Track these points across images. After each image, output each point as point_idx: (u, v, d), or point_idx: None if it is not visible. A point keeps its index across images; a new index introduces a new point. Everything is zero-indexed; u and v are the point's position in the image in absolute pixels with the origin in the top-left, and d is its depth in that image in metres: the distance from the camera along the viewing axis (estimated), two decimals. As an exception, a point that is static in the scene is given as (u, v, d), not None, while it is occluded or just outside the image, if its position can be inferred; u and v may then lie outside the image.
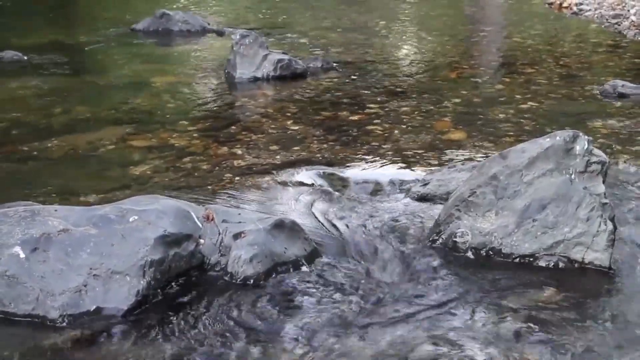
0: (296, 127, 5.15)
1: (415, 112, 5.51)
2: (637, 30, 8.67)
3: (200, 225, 3.14)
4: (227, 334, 2.70)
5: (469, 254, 3.26)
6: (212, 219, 3.19)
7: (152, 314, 2.80)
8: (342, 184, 4.06)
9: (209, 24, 9.25)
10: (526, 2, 11.72)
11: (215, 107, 5.78)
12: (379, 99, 5.88)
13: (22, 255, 2.86)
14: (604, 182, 3.27)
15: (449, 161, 4.39)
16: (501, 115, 5.41)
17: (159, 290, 2.90)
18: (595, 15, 9.79)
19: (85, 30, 9.36)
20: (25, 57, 7.33)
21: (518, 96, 5.97)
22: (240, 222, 3.20)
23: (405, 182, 4.02)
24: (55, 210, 3.09)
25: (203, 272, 3.06)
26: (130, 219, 3.02)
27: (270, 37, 8.20)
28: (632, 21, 9.02)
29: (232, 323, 2.77)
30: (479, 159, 4.23)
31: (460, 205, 3.34)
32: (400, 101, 5.84)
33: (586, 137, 3.29)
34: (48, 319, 2.75)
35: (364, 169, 4.34)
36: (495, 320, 2.77)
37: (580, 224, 3.18)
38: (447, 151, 4.63)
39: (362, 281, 3.06)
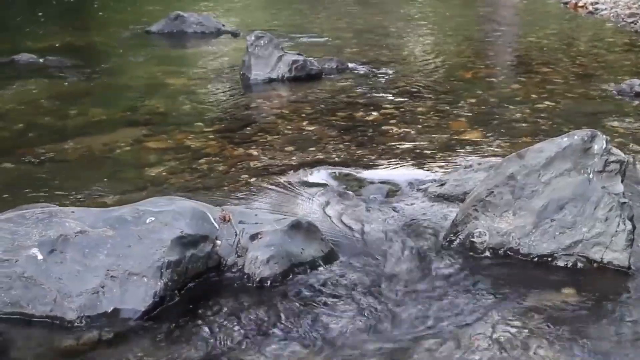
0: (312, 128, 5.14)
1: (431, 112, 5.49)
2: (654, 29, 8.62)
3: (217, 226, 3.14)
4: (244, 336, 2.69)
5: (487, 254, 3.24)
6: (229, 220, 3.18)
7: (169, 315, 2.80)
8: (359, 184, 4.04)
9: (223, 26, 9.25)
10: (541, 1, 11.67)
11: (230, 108, 5.78)
12: (394, 100, 5.87)
13: (40, 257, 2.86)
14: (622, 181, 3.24)
15: (466, 161, 4.36)
16: (517, 115, 5.38)
17: (175, 292, 2.89)
18: (611, 15, 9.74)
19: (100, 33, 9.41)
20: (41, 60, 7.37)
21: (534, 96, 5.95)
22: (257, 223, 3.19)
23: (421, 182, 4.01)
24: (72, 212, 3.09)
25: (220, 273, 3.05)
26: (147, 220, 3.02)
27: (284, 38, 8.20)
28: (649, 20, 8.97)
29: (248, 324, 2.76)
30: (495, 159, 4.20)
31: (478, 206, 3.32)
32: (416, 101, 5.82)
33: (604, 136, 3.26)
34: (65, 320, 2.75)
35: (380, 169, 4.32)
36: (514, 320, 2.75)
37: (599, 224, 3.16)
38: (464, 151, 4.61)
39: (379, 282, 3.04)
